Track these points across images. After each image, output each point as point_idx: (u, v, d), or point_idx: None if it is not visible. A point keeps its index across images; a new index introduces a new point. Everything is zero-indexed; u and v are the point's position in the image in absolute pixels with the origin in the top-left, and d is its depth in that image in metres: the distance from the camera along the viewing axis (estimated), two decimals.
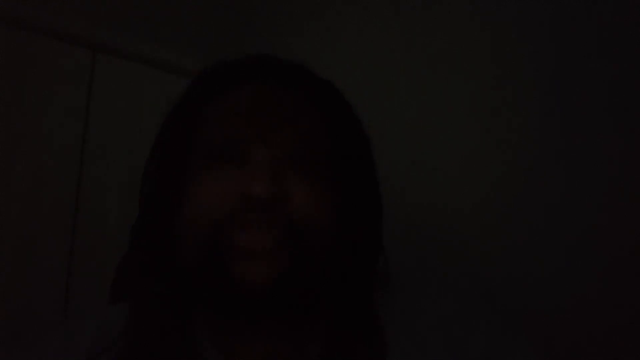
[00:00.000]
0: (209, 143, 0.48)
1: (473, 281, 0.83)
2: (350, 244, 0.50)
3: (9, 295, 1.02)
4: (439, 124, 0.93)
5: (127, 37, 1.21)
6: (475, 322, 0.51)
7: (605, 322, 0.72)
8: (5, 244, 1.03)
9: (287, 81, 0.52)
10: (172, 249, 0.48)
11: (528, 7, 0.84)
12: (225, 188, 0.46)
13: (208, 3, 1.39)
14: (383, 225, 0.53)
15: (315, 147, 0.48)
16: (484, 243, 0.84)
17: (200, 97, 0.52)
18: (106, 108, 1.16)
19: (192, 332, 0.49)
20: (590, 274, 0.74)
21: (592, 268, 0.74)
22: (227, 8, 1.38)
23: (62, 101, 1.11)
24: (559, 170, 0.79)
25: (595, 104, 0.76)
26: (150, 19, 1.28)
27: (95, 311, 0.57)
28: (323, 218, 0.47)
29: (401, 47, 1.01)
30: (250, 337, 0.48)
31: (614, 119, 0.75)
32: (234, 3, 1.38)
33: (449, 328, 0.50)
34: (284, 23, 1.25)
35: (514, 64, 0.85)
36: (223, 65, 0.55)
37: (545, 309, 0.76)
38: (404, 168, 0.94)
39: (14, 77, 1.06)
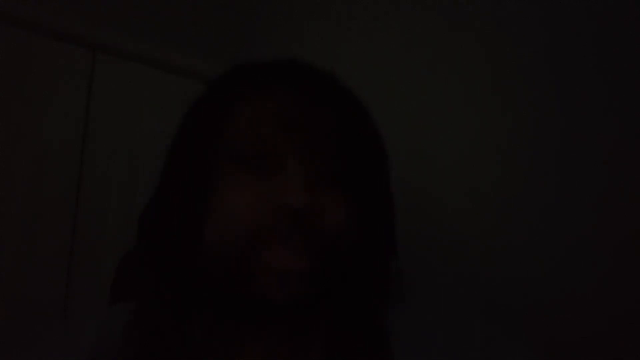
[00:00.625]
0: (238, 149, 0.46)
1: (473, 281, 0.83)
2: (362, 251, 0.49)
3: (9, 295, 1.02)
4: (439, 124, 0.93)
5: (127, 37, 1.21)
6: (475, 323, 0.51)
7: (605, 321, 0.72)
8: (5, 244, 1.03)
9: (319, 91, 0.50)
10: (180, 250, 0.48)
11: (527, 7, 0.84)
12: (257, 197, 0.44)
13: (208, 3, 1.39)
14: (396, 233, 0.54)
15: (344, 162, 0.48)
16: (484, 243, 0.84)
17: (228, 98, 0.50)
18: (106, 108, 1.16)
19: (192, 333, 0.49)
20: (590, 274, 0.74)
21: (592, 268, 0.74)
22: (227, 8, 1.38)
23: (62, 101, 1.11)
24: (559, 170, 0.79)
25: (595, 104, 0.76)
26: (151, 19, 1.28)
27: (95, 311, 0.57)
28: (352, 233, 0.47)
29: (401, 47, 1.01)
30: (251, 338, 0.48)
31: (614, 119, 0.75)
32: (234, 3, 1.38)
33: (450, 329, 0.50)
34: (284, 23, 1.25)
35: (513, 64, 0.85)
36: (252, 66, 0.52)
37: (545, 308, 0.76)
38: (404, 168, 0.94)
39: (14, 77, 1.06)
